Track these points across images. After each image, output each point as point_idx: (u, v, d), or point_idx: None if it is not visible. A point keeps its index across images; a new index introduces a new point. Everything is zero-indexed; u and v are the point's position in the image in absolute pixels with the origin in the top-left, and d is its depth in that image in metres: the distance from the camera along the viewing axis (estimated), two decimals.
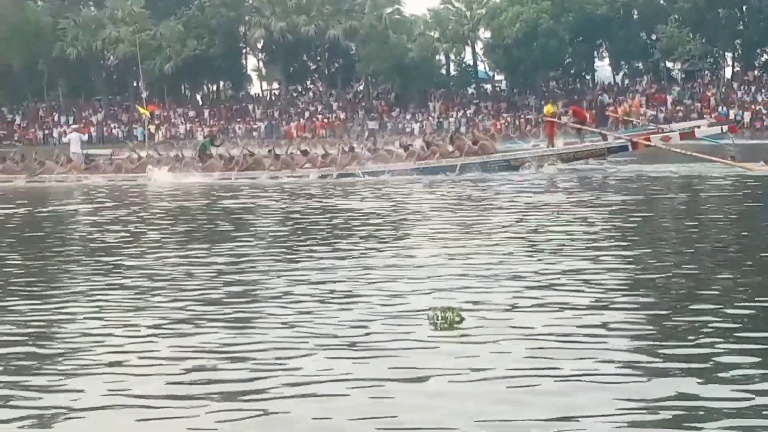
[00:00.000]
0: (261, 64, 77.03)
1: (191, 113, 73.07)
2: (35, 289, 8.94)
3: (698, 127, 30.16)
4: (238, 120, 70.32)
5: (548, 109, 30.91)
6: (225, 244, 11.87)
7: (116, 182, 26.87)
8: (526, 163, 24.31)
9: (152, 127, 61.85)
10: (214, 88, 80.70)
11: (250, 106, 73.99)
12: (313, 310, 7.47)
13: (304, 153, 27.16)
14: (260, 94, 78.63)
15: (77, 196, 22.53)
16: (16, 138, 70.84)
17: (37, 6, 74.97)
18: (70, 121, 71.63)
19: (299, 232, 13.23)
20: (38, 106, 77.00)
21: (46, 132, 72.02)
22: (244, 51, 78.12)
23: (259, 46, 75.42)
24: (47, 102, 77.04)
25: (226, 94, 79.25)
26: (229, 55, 73.96)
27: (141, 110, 48.99)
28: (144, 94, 57.38)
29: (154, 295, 8.36)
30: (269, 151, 28.86)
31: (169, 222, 15.53)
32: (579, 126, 28.65)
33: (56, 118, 74.10)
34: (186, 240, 12.82)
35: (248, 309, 7.64)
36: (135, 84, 71.08)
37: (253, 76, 79.65)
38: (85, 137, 36.45)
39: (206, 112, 73.40)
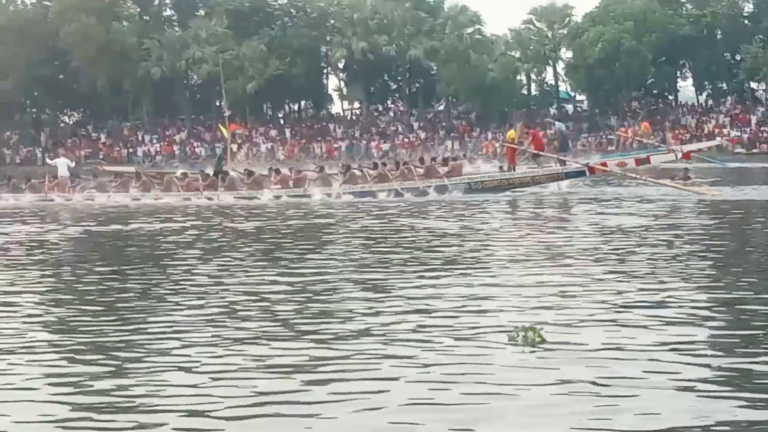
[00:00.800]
0: (342, 83, 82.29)
1: (273, 132, 77.68)
2: (109, 307, 9.42)
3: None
4: (319, 139, 74.61)
5: (510, 134, 33.09)
6: (303, 262, 12.53)
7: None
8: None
9: (234, 146, 66.02)
10: (296, 107, 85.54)
11: (331, 126, 78.16)
12: (393, 329, 7.89)
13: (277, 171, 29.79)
14: (341, 114, 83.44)
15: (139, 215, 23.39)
16: (101, 156, 75.56)
17: (123, 27, 79.77)
18: (154, 140, 76.90)
19: (374, 250, 13.86)
20: (123, 125, 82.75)
21: (131, 150, 76.89)
22: (325, 71, 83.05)
23: (341, 66, 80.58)
24: (132, 121, 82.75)
25: (307, 113, 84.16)
26: (310, 75, 78.51)
27: (223, 129, 52.95)
28: (227, 114, 61.31)
29: (234, 313, 8.80)
30: (269, 169, 31.36)
31: (245, 241, 16.13)
32: (537, 152, 30.55)
33: (140, 137, 79.60)
34: (268, 259, 13.22)
35: (328, 328, 8.02)
36: (218, 103, 75.67)
37: (335, 95, 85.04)
38: (72, 163, 39.91)
39: (287, 132, 77.77)
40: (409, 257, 12.75)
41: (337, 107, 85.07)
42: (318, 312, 8.71)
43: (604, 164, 28.00)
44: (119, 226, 19.69)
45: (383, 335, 7.64)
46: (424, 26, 74.33)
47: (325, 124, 79.34)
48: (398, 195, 26.67)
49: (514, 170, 29.33)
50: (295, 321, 8.27)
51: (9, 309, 9.44)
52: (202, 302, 9.39)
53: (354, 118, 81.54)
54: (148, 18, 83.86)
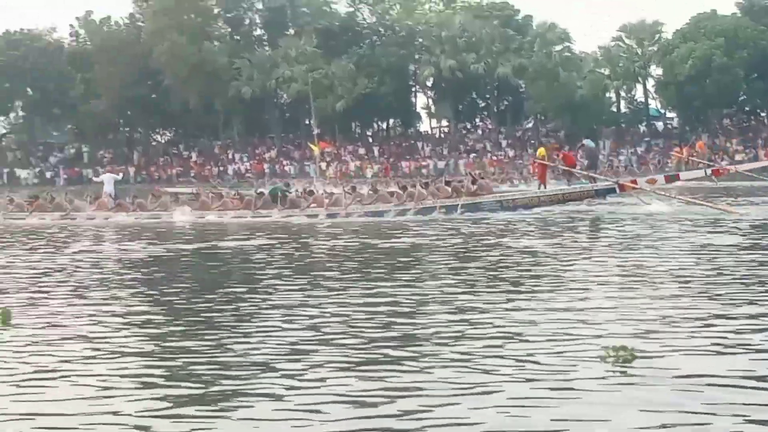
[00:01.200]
0: (430, 101, 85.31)
1: (361, 151, 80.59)
2: (199, 327, 9.53)
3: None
4: (407, 157, 77.21)
5: (540, 152, 34.93)
6: (390, 282, 12.52)
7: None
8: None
9: (323, 164, 68.71)
10: (384, 125, 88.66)
11: (419, 144, 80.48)
12: (483, 351, 7.93)
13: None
14: (429, 132, 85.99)
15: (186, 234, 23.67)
16: (192, 174, 78.84)
17: (214, 46, 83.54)
18: (245, 159, 79.95)
19: (462, 269, 13.90)
20: (213, 143, 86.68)
21: (221, 168, 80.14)
22: (413, 89, 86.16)
23: (429, 84, 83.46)
24: (222, 139, 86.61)
25: (395, 131, 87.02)
26: (398, 94, 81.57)
27: (313, 147, 55.56)
28: (316, 132, 64.09)
29: (321, 337, 8.77)
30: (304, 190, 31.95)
31: (340, 260, 16.00)
32: (569, 169, 32.30)
33: (231, 156, 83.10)
34: (371, 279, 13.10)
35: (417, 351, 8.03)
36: (307, 122, 78.56)
37: (423, 113, 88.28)
38: (119, 177, 40.80)
39: (376, 150, 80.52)
40: (498, 276, 12.86)
41: (425, 125, 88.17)
42: (405, 335, 8.76)
43: (634, 182, 28.47)
44: (190, 245, 19.73)
45: (471, 356, 7.73)
46: (513, 44, 76.58)
47: (413, 142, 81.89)
48: (426, 213, 26.76)
49: (545, 188, 30.91)
50: (383, 345, 8.29)
51: (100, 330, 9.55)
52: (288, 326, 9.35)
53: (442, 136, 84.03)
54: (238, 38, 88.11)
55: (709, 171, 31.84)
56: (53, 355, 8.22)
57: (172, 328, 9.46)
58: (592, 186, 29.19)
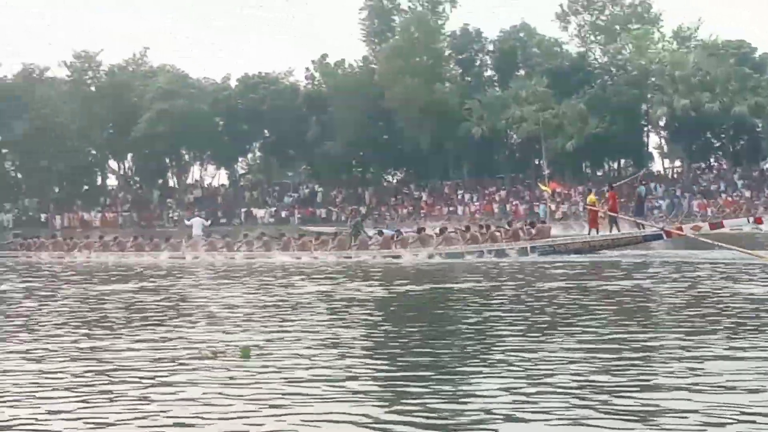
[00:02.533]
0: (663, 141, 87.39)
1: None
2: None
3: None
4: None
5: (591, 198, 37.08)
6: (609, 327, 13.26)
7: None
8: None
9: (553, 205, 71.81)
10: (615, 165, 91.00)
11: (652, 184, 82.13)
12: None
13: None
14: (662, 172, 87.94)
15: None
16: (422, 214, 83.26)
17: (446, 88, 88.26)
18: (474, 199, 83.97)
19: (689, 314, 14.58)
20: (444, 183, 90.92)
21: (451, 209, 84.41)
22: (645, 129, 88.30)
23: (662, 123, 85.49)
24: (452, 179, 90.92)
25: (626, 171, 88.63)
26: (630, 133, 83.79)
27: (543, 187, 58.83)
28: (546, 172, 67.30)
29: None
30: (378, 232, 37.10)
31: (530, 305, 16.83)
32: (615, 215, 34.57)
33: (461, 196, 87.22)
34: (582, 323, 13.74)
35: (646, 399, 8.38)
36: (537, 162, 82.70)
37: (655, 153, 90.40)
38: (208, 222, 47.23)
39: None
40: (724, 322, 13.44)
41: (657, 165, 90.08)
42: (636, 385, 9.01)
43: (680, 228, 31.72)
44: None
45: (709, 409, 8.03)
46: (749, 82, 77.38)
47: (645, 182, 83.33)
48: (481, 255, 30.97)
49: (597, 233, 33.62)
50: (617, 395, 8.63)
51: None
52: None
53: (675, 176, 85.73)
54: (469, 78, 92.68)
55: (751, 219, 35.80)
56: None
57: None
58: (639, 232, 32.20)
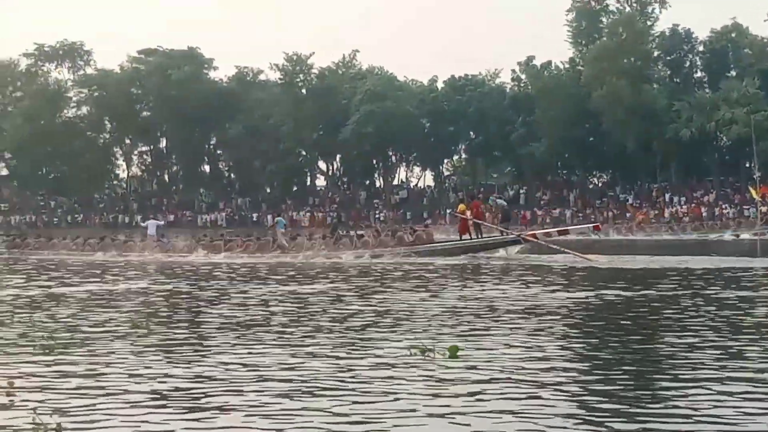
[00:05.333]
0: None
1: None
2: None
3: None
4: None
5: (461, 207, 41.29)
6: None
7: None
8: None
9: (763, 209, 71.07)
10: None
11: None
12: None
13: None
14: None
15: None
16: (627, 216, 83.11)
17: (653, 89, 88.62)
18: (681, 201, 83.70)
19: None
20: (650, 186, 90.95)
21: (656, 212, 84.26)
22: None
23: None
24: (659, 182, 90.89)
25: None
26: None
27: (752, 191, 58.66)
28: (756, 175, 66.56)
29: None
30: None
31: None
32: (480, 222, 39.23)
33: (667, 198, 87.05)
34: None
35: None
36: (747, 165, 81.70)
37: None
38: (162, 223, 53.03)
39: None
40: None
41: None
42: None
43: (534, 234, 37.65)
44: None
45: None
46: None
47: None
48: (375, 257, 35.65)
49: (470, 238, 38.39)
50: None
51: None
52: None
53: None
54: (678, 80, 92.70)
55: (590, 226, 47.02)
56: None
57: None
58: (502, 238, 37.44)
